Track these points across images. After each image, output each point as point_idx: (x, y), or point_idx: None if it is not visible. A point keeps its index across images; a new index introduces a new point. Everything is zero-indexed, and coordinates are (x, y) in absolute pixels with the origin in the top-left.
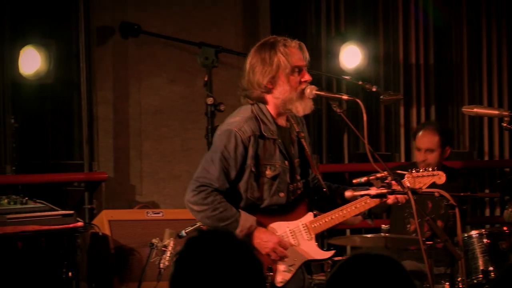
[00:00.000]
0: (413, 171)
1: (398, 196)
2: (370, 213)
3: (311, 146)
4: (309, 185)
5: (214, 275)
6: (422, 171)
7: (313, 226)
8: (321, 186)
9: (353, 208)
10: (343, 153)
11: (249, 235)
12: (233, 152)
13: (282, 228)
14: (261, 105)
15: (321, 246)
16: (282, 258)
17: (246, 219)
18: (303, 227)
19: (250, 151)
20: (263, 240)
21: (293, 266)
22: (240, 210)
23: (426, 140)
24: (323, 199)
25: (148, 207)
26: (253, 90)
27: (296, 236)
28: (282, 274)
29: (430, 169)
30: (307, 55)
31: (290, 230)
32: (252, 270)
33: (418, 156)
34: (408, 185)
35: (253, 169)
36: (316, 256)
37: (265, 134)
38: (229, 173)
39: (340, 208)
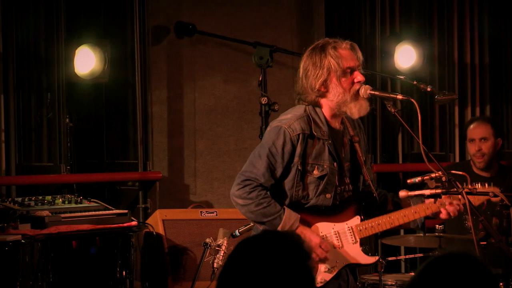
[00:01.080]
0: (468, 186)
1: (450, 210)
2: (423, 225)
3: (367, 152)
4: (359, 190)
5: (262, 278)
6: (477, 187)
7: (359, 229)
8: (371, 191)
9: (402, 215)
10: (398, 153)
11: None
12: (281, 149)
13: (327, 229)
14: (317, 105)
15: (374, 245)
16: (323, 260)
17: (290, 216)
18: (349, 229)
19: (298, 149)
20: (305, 239)
21: (334, 268)
22: (285, 207)
23: (479, 130)
24: (373, 205)
25: (202, 206)
26: (307, 94)
27: (340, 238)
28: (323, 274)
29: (486, 185)
30: (360, 55)
31: (335, 231)
32: (302, 278)
33: (472, 148)
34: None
35: (299, 167)
36: (359, 260)
37: (315, 133)
38: (275, 169)
39: (389, 215)
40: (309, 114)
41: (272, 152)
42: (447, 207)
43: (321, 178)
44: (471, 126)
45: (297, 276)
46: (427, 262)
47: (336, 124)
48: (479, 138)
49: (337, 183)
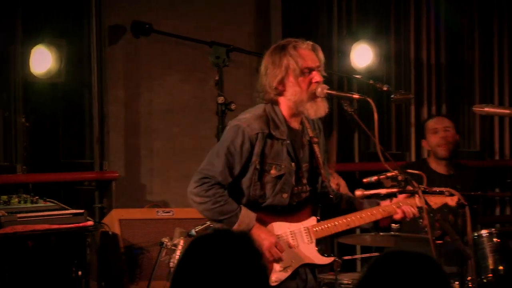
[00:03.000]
0: (426, 188)
1: (406, 211)
2: (377, 225)
3: (326, 154)
4: (316, 191)
5: (215, 278)
6: (435, 189)
7: (315, 230)
8: (328, 192)
9: (359, 217)
10: (354, 152)
11: (247, 231)
12: (239, 148)
13: (282, 229)
14: (275, 106)
15: (330, 245)
16: (277, 260)
17: (246, 215)
18: (305, 230)
19: (256, 148)
20: (260, 237)
21: (289, 267)
22: (241, 206)
23: (442, 121)
24: (330, 206)
25: (158, 206)
26: (266, 92)
27: (296, 237)
28: (277, 274)
29: (446, 193)
30: (321, 56)
31: (290, 231)
32: (256, 277)
33: (435, 138)
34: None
35: (257, 167)
36: (315, 260)
37: (274, 133)
38: (233, 168)
39: (345, 216)
40: (268, 114)
41: (231, 151)
42: (403, 208)
43: (278, 177)
44: (433, 120)
45: (250, 275)
46: (378, 258)
47: (295, 124)
48: (443, 127)
49: (294, 184)
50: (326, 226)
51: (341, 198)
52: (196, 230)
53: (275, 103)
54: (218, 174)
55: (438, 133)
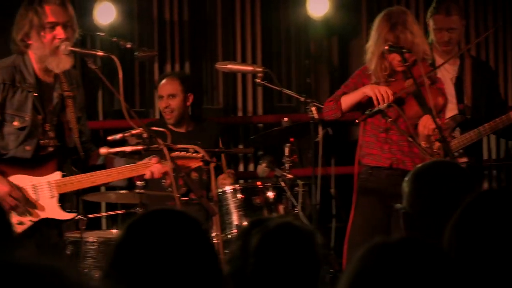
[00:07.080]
0: (170, 145)
1: (154, 171)
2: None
3: (84, 109)
4: (65, 146)
5: None
6: (179, 153)
7: (58, 185)
8: (78, 148)
9: (106, 175)
10: (98, 110)
11: None
12: None
13: (24, 182)
14: (26, 57)
15: (76, 203)
16: (14, 208)
17: None
18: (47, 184)
19: None
20: None
21: (27, 221)
22: None
23: (167, 87)
24: (78, 162)
25: None
26: (15, 44)
27: (37, 192)
28: (14, 227)
29: (191, 150)
30: (71, 11)
31: (32, 185)
32: None
33: (161, 104)
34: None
35: None
36: (55, 215)
37: (18, 84)
38: None
39: (92, 173)
40: (16, 64)
41: None
42: (152, 168)
43: (21, 129)
44: (161, 83)
45: None
46: (136, 217)
47: (46, 77)
48: (167, 94)
49: (41, 137)
50: (69, 182)
51: (92, 155)
52: None
53: (25, 54)
54: None
55: (163, 100)
